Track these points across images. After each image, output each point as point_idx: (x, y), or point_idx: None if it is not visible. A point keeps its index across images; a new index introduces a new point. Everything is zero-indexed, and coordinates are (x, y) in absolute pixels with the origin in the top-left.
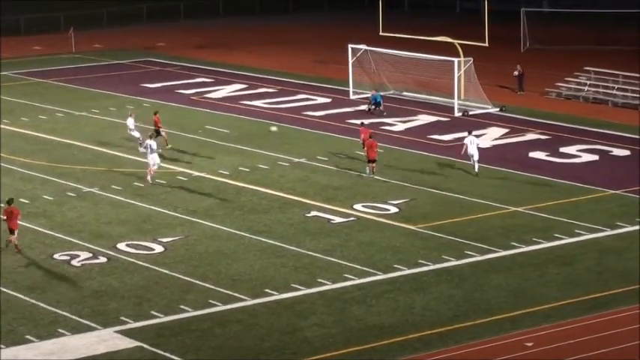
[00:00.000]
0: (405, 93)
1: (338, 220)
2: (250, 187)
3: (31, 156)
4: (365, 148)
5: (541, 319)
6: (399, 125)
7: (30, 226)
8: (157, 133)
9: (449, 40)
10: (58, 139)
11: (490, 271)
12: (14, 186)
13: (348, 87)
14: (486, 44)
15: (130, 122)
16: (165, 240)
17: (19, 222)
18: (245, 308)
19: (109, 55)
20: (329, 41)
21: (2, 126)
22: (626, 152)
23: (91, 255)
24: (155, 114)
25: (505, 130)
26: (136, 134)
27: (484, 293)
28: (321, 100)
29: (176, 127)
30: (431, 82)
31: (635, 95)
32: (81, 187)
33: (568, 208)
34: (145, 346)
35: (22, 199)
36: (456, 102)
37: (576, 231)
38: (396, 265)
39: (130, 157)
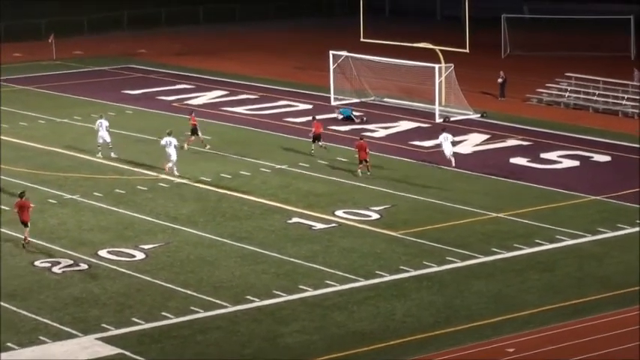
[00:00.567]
0: (386, 99)
1: (319, 226)
2: (232, 193)
3: (12, 163)
4: (356, 149)
5: (522, 324)
6: (380, 131)
7: (11, 233)
8: (194, 132)
9: (430, 46)
10: (40, 145)
11: (471, 277)
12: None
13: (330, 93)
14: (467, 50)
15: (104, 125)
16: (146, 247)
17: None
18: (226, 315)
19: (89, 62)
20: (310, 47)
21: None
22: (607, 158)
23: (72, 262)
24: (191, 114)
25: (486, 136)
26: (107, 138)
27: (465, 299)
28: (302, 106)
29: (158, 134)
30: (412, 88)
31: (615, 101)
32: (62, 194)
33: (549, 214)
34: (127, 353)
35: (3, 207)
36: (437, 108)
37: (557, 237)
38: (377, 272)
39: (111, 164)
